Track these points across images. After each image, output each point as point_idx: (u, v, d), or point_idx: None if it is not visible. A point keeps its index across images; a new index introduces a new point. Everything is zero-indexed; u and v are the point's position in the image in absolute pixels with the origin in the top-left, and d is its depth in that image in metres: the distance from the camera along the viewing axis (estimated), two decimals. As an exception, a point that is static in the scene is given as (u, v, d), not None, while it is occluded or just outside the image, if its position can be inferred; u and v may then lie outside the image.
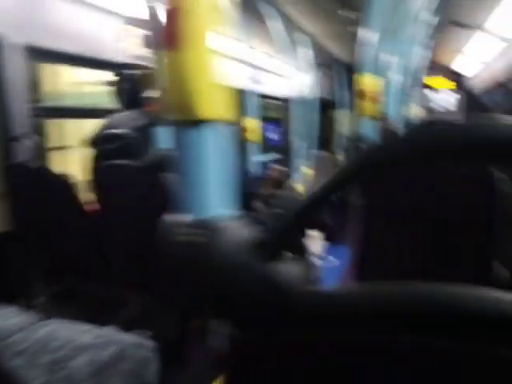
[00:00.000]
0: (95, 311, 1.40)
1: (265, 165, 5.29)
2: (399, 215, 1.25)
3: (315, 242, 4.21)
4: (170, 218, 0.37)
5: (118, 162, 1.38)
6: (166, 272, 0.36)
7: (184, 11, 0.29)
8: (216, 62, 0.33)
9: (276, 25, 3.26)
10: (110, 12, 2.45)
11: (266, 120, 6.03)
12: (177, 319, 1.33)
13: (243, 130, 3.01)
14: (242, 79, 3.35)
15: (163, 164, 1.32)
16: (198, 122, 0.30)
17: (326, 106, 7.26)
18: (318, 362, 0.32)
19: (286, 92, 5.74)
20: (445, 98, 6.81)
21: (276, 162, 5.10)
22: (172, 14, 0.29)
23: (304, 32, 4.03)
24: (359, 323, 0.30)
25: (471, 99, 6.37)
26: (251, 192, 1.87)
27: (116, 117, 1.71)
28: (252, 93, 2.97)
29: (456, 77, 6.56)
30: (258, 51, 4.65)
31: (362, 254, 1.29)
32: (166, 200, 0.99)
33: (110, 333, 0.87)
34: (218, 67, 0.33)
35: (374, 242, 1.28)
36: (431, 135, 0.26)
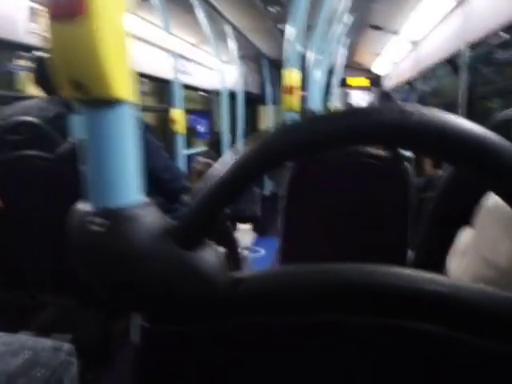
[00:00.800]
0: (8, 318, 1.28)
1: (192, 157, 5.23)
2: (317, 203, 1.32)
3: (245, 234, 4.28)
4: (79, 207, 0.34)
5: (27, 152, 1.27)
6: (79, 267, 0.34)
7: None
8: (126, 37, 0.31)
9: (203, 17, 3.21)
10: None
11: (193, 112, 5.95)
12: (98, 319, 1.26)
13: (170, 121, 2.93)
14: (168, 69, 3.26)
15: (78, 155, 1.24)
16: (104, 102, 0.29)
17: (253, 100, 7.37)
18: (247, 349, 0.32)
19: (213, 84, 5.69)
20: (362, 95, 7.33)
21: (203, 154, 5.06)
22: None
23: (232, 26, 4.02)
24: (279, 305, 0.31)
25: (383, 97, 6.95)
26: (179, 185, 1.82)
27: (25, 104, 1.56)
28: (178, 83, 2.90)
29: (373, 76, 7.09)
30: (184, 42, 4.55)
31: (285, 243, 1.35)
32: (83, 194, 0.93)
33: (23, 339, 0.80)
34: (127, 44, 0.31)
35: (296, 231, 1.34)
36: (315, 124, 0.27)
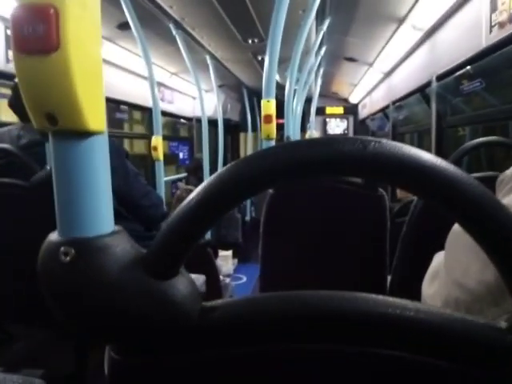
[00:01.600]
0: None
1: (173, 184, 5.21)
2: (294, 229, 1.33)
3: (227, 260, 4.23)
4: (50, 236, 0.34)
5: (1, 180, 1.25)
6: (47, 298, 0.33)
7: (62, 9, 0.27)
8: (99, 68, 0.32)
9: (184, 47, 3.30)
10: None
11: (174, 139, 5.97)
12: (71, 352, 1.22)
13: (152, 148, 2.94)
14: (148, 97, 3.30)
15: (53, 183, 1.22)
16: (76, 133, 0.29)
17: (234, 127, 7.47)
18: (217, 380, 0.32)
19: (193, 112, 5.76)
20: (339, 123, 7.55)
21: (184, 180, 5.06)
22: (44, 12, 0.27)
23: (212, 56, 4.13)
24: (249, 334, 0.31)
25: (358, 124, 7.20)
26: (157, 212, 1.81)
27: None
28: (158, 111, 2.93)
29: (349, 105, 7.34)
30: (164, 71, 4.62)
31: (264, 270, 1.35)
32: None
33: (-10, 374, 0.77)
34: (100, 75, 0.32)
35: (274, 258, 1.34)
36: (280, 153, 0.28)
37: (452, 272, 0.59)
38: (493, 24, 2.00)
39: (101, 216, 0.34)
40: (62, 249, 0.31)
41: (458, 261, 0.57)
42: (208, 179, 0.30)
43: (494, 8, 1.98)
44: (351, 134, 7.54)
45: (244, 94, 6.47)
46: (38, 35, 0.30)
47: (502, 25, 1.93)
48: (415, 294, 0.77)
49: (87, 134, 0.33)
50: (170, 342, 0.31)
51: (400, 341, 0.29)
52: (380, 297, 0.29)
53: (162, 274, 0.30)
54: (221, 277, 3.21)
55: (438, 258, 0.73)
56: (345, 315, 0.29)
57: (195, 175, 4.50)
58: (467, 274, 0.54)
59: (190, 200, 0.29)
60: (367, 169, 0.27)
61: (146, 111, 4.20)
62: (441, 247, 0.68)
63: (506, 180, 0.59)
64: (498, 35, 1.97)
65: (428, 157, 0.27)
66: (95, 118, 0.33)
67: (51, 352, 1.26)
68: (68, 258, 0.31)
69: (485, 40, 2.09)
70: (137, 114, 4.81)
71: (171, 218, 0.30)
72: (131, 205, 1.61)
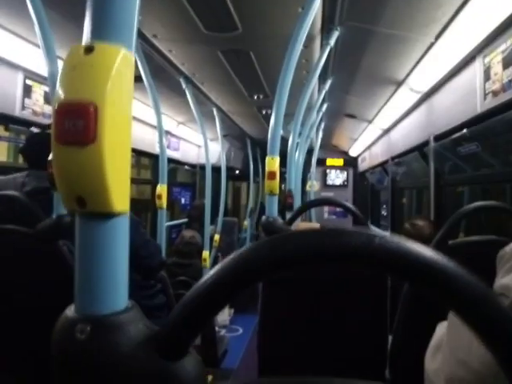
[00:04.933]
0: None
1: (175, 230, 5.20)
2: (294, 290, 1.32)
3: (222, 311, 4.12)
4: (66, 311, 0.35)
5: (6, 226, 1.25)
6: (59, 374, 0.33)
7: (99, 105, 0.30)
8: (129, 156, 0.34)
9: (193, 99, 3.45)
10: (18, 67, 2.37)
11: (178, 185, 6.05)
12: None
13: (156, 196, 2.98)
14: (155, 145, 3.40)
15: (60, 231, 1.21)
16: (102, 214, 0.31)
17: (237, 176, 7.58)
18: None
19: (198, 159, 5.89)
20: (339, 175, 7.68)
21: (184, 226, 5.06)
22: (85, 109, 0.29)
23: (218, 108, 4.30)
24: None
25: (358, 176, 7.32)
26: (155, 261, 1.80)
27: (1, 179, 1.57)
28: (164, 158, 3.01)
29: (349, 158, 7.50)
30: (174, 120, 4.80)
31: (262, 322, 1.32)
32: (65, 273, 0.91)
33: None
34: (128, 162, 0.35)
35: (274, 309, 1.32)
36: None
37: (455, 348, 0.57)
38: (487, 92, 2.12)
39: (118, 293, 0.35)
40: (79, 326, 0.32)
41: (461, 337, 0.56)
42: (220, 264, 0.30)
43: (487, 77, 2.11)
44: (351, 186, 7.65)
45: (247, 144, 6.64)
46: (78, 129, 0.33)
47: (495, 93, 2.04)
48: (416, 358, 0.76)
49: (112, 215, 0.36)
50: None
51: None
52: None
53: (174, 354, 0.30)
54: (216, 328, 3.12)
55: (441, 329, 0.73)
56: None
57: (198, 221, 4.51)
58: (471, 353, 0.52)
59: (203, 282, 0.30)
60: (373, 262, 0.29)
61: (153, 157, 4.31)
62: (441, 313, 0.68)
63: (506, 257, 0.60)
64: (491, 102, 2.07)
65: (430, 254, 0.28)
66: (121, 200, 0.36)
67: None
68: (83, 336, 0.31)
69: (479, 106, 2.19)
70: (144, 160, 4.93)
71: (184, 300, 0.30)
72: (130, 254, 1.61)
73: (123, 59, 0.35)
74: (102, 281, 0.35)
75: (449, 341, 0.61)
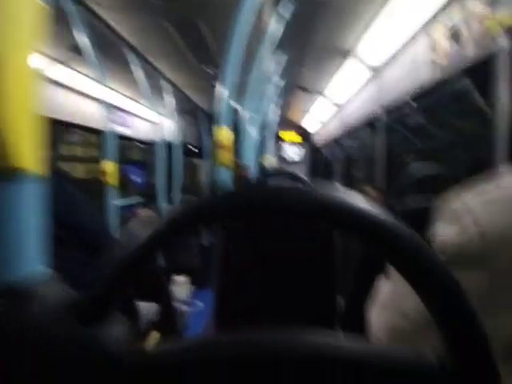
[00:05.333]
0: None
1: (127, 209, 5.04)
2: (248, 257, 1.33)
3: (183, 287, 4.11)
4: None
5: None
6: None
7: None
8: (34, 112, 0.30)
9: (140, 72, 3.29)
10: None
11: (129, 162, 5.84)
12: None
13: (102, 172, 2.85)
14: (102, 120, 3.23)
15: None
16: (5, 173, 0.28)
17: (192, 153, 7.45)
18: None
19: (150, 135, 5.69)
20: (294, 149, 7.78)
21: (140, 205, 4.92)
22: None
23: (169, 81, 4.14)
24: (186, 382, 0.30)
25: (314, 152, 7.46)
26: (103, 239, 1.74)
27: None
28: (112, 134, 2.87)
29: (303, 132, 7.59)
30: (121, 94, 4.56)
31: (217, 296, 1.33)
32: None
33: None
34: (35, 118, 0.30)
35: (227, 285, 1.33)
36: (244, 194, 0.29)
37: (397, 301, 0.60)
38: (432, 65, 2.19)
39: (32, 258, 0.33)
40: None
41: (402, 291, 0.58)
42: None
43: (433, 50, 2.17)
44: (308, 160, 7.79)
45: (201, 118, 6.52)
46: None
47: (440, 66, 2.11)
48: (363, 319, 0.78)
49: (18, 174, 0.32)
50: None
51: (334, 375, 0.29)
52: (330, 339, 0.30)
53: (94, 320, 0.30)
54: (177, 304, 3.10)
55: (385, 288, 0.75)
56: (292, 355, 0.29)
57: (150, 200, 4.41)
58: (409, 305, 0.55)
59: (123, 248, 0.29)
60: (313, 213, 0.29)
61: (101, 134, 4.10)
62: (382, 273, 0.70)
63: (449, 211, 0.62)
64: (436, 74, 2.15)
65: (374, 210, 0.29)
66: (28, 157, 0.32)
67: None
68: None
69: (426, 79, 2.27)
70: (94, 138, 4.67)
71: (107, 263, 0.29)
72: (76, 232, 1.54)
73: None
74: (10, 247, 0.32)
75: (392, 296, 0.63)
